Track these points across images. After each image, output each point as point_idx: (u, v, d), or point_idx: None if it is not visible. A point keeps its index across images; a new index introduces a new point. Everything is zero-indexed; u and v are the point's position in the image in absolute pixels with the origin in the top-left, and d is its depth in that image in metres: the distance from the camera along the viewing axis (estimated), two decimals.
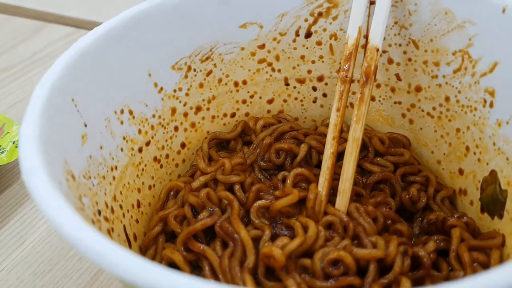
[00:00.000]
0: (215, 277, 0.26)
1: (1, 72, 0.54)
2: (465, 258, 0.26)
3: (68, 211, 0.17)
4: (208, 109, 0.35)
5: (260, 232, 0.27)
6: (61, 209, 0.17)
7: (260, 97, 0.36)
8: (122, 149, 0.29)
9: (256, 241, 0.26)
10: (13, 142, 0.41)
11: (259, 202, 0.28)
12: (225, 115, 0.36)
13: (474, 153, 0.31)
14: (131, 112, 0.30)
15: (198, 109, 0.34)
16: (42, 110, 0.22)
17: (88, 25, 0.61)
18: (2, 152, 0.40)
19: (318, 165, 0.31)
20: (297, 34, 0.34)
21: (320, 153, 0.32)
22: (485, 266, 0.26)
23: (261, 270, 0.25)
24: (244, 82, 0.35)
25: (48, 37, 0.61)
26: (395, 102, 0.35)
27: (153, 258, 0.29)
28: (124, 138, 0.29)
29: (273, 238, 0.27)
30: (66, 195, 0.20)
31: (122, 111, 0.29)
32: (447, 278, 0.26)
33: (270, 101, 0.37)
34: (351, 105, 0.36)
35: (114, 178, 0.28)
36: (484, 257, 0.26)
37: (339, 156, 0.31)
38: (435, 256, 0.27)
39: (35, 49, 0.58)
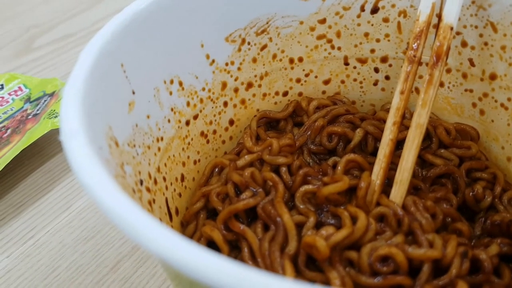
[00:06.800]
0: (254, 260, 0.24)
1: (61, 39, 0.55)
2: None
3: (105, 176, 0.16)
4: (259, 85, 0.33)
5: (304, 218, 0.25)
6: (97, 174, 0.16)
7: (316, 76, 0.34)
8: (169, 120, 0.28)
9: (299, 227, 0.25)
10: None
11: (306, 187, 0.26)
12: (277, 93, 0.34)
13: None
14: (180, 83, 0.29)
15: (250, 85, 0.33)
16: (88, 72, 0.21)
17: None
18: (56, 117, 0.40)
19: (374, 153, 0.29)
20: (362, 9, 0.32)
21: (377, 139, 0.30)
22: None
23: (302, 258, 0.23)
24: (300, 59, 0.33)
25: (111, 6, 0.61)
26: (466, 90, 0.32)
27: (193, 233, 0.28)
28: (172, 110, 0.28)
29: (318, 226, 0.25)
30: (107, 161, 0.20)
31: (172, 81, 0.28)
32: (508, 286, 0.24)
33: (326, 82, 0.35)
34: (416, 90, 0.33)
35: (159, 149, 0.27)
36: None
37: (398, 145, 0.28)
38: (497, 261, 0.24)
39: (96, 18, 0.58)
